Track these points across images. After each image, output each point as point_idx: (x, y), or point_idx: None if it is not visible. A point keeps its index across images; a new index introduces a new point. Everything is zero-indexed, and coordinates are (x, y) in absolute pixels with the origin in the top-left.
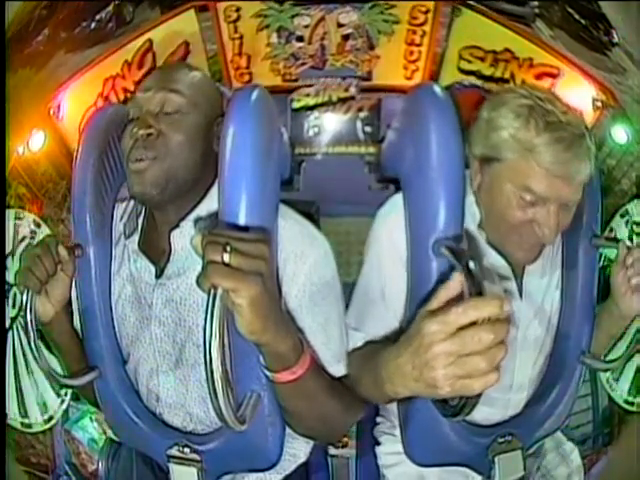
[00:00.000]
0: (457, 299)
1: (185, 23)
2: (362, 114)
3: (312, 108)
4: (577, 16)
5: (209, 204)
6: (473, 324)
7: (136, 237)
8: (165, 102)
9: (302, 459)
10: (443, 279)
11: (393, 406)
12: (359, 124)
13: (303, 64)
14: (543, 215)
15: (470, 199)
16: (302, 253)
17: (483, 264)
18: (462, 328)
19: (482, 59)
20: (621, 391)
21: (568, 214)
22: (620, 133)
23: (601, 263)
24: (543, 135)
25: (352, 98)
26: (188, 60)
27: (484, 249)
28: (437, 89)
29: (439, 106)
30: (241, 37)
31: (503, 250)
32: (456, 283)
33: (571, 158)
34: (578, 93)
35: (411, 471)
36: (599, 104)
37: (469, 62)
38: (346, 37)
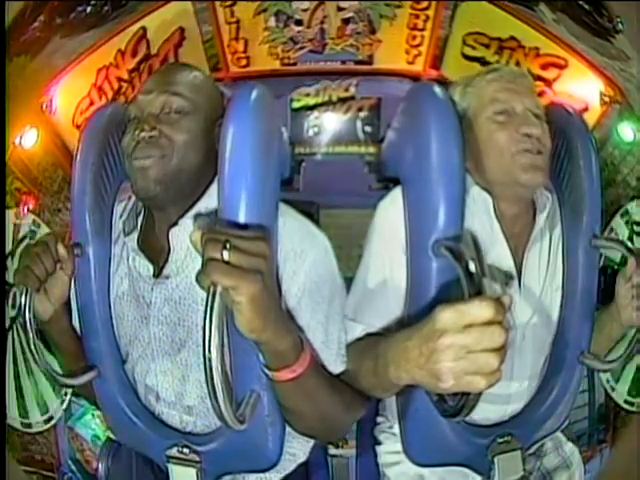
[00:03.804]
0: None
1: (180, 7)
2: (362, 114)
3: (312, 108)
4: (581, 1)
5: (208, 202)
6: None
7: (135, 235)
8: (167, 105)
9: (302, 459)
10: (443, 279)
11: (393, 405)
12: (359, 124)
13: (302, 48)
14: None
15: (475, 188)
16: (302, 251)
17: (484, 262)
18: (474, 324)
19: (487, 46)
20: (621, 391)
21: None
22: (627, 129)
23: (601, 263)
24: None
25: (352, 98)
26: (184, 45)
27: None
28: (437, 89)
29: (439, 106)
30: (238, 21)
31: (513, 183)
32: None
33: None
34: (585, 86)
35: (411, 470)
36: (606, 99)
37: (473, 48)
38: (346, 21)
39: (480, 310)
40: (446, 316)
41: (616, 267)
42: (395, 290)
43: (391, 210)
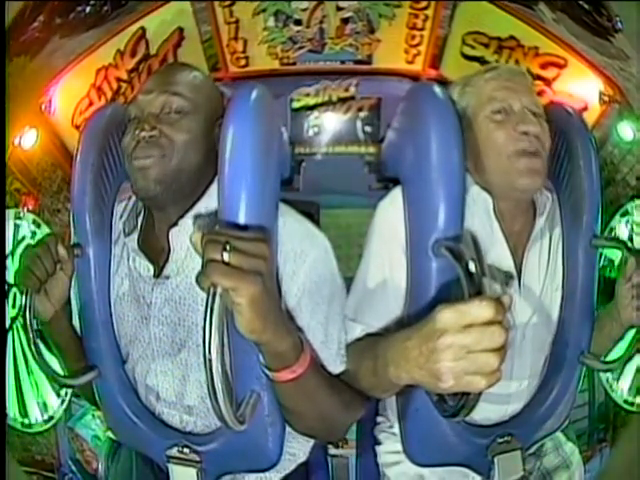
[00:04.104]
0: None
1: (179, 7)
2: (362, 114)
3: (312, 108)
4: (580, 1)
5: (208, 202)
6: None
7: (135, 235)
8: (167, 105)
9: (302, 458)
10: (443, 279)
11: (393, 405)
12: (359, 124)
13: (301, 48)
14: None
15: (475, 188)
16: (302, 251)
17: (484, 262)
18: (474, 324)
19: (486, 45)
20: (621, 391)
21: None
22: (626, 128)
23: (601, 263)
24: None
25: (352, 98)
26: (183, 45)
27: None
28: (437, 89)
29: (439, 106)
30: (237, 21)
31: (510, 187)
32: None
33: None
34: (584, 85)
35: (411, 470)
36: (606, 98)
37: (472, 48)
38: (346, 20)
39: (480, 310)
40: (446, 316)
41: (616, 267)
42: (395, 290)
43: (391, 210)
